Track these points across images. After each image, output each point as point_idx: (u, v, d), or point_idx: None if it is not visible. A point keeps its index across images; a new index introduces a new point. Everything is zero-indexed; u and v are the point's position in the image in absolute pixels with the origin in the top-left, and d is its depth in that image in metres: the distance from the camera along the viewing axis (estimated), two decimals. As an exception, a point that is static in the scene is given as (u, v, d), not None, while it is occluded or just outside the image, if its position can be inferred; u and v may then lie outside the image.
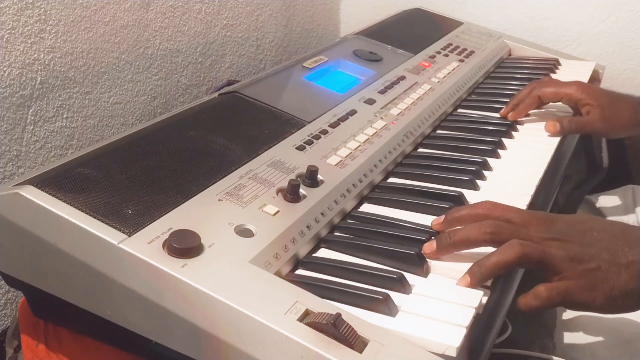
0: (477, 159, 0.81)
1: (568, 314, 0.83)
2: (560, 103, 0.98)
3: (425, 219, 0.68)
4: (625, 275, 0.56)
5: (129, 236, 0.54)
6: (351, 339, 0.47)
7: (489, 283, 0.58)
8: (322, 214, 0.65)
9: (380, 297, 0.54)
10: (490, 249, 0.59)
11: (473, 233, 0.59)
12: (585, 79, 1.12)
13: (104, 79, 0.91)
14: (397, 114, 0.88)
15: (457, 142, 0.87)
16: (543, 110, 1.00)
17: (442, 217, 0.64)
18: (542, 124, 0.96)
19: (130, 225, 0.55)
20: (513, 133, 0.92)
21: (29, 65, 0.79)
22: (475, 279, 0.57)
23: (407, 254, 0.61)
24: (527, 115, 0.98)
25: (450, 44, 1.18)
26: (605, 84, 1.23)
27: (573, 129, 0.94)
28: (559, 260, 0.57)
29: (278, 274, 0.57)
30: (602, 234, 0.59)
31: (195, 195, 0.61)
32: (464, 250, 0.60)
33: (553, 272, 0.57)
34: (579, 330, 0.80)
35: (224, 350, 0.50)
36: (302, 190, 0.66)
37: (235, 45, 1.17)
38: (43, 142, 0.83)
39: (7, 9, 0.75)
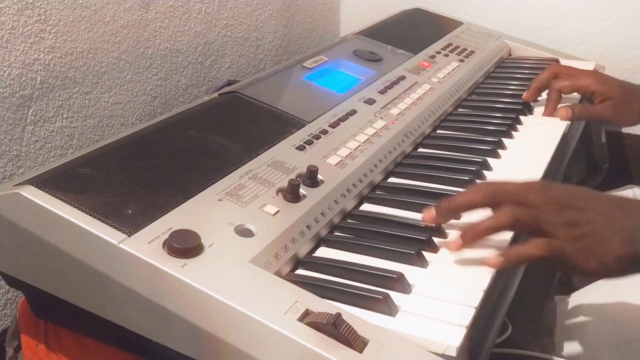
0: (477, 159, 0.81)
1: (568, 314, 0.83)
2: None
3: (425, 219, 0.68)
4: (618, 239, 0.57)
5: (129, 236, 0.54)
6: (351, 339, 0.47)
7: (487, 284, 0.58)
8: (322, 213, 0.65)
9: (380, 297, 0.54)
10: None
11: (472, 196, 0.61)
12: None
13: (104, 79, 0.91)
14: (397, 114, 0.88)
15: (457, 142, 0.87)
16: (543, 110, 1.00)
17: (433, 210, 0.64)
18: (542, 124, 0.96)
19: (130, 225, 0.55)
20: (513, 133, 0.92)
21: (29, 65, 0.79)
22: (468, 241, 0.59)
23: (407, 253, 0.61)
24: (530, 114, 0.99)
25: (450, 44, 1.18)
26: (605, 84, 1.23)
27: (584, 116, 0.98)
28: (553, 225, 0.58)
29: (278, 274, 0.57)
30: (597, 200, 0.60)
31: (195, 195, 0.61)
32: (463, 212, 0.62)
33: (547, 236, 0.58)
34: (579, 330, 0.80)
35: (224, 350, 0.50)
36: (302, 190, 0.66)
37: (235, 45, 1.17)
38: (43, 142, 0.83)
39: (7, 9, 0.75)
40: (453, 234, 0.65)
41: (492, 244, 0.61)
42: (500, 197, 0.60)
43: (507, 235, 0.62)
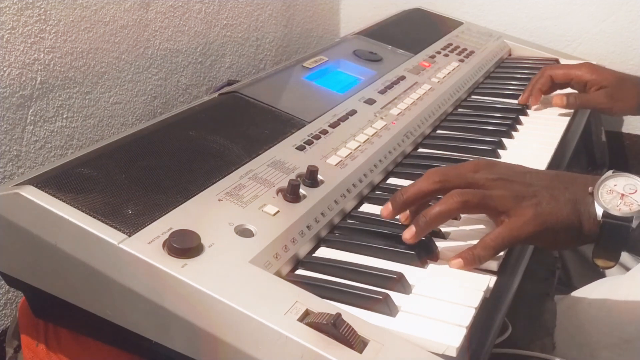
0: (477, 159, 0.81)
1: (568, 314, 0.83)
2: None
3: (425, 219, 0.68)
4: (565, 210, 0.60)
5: (129, 236, 0.54)
6: (351, 339, 0.47)
7: (487, 285, 0.58)
8: (322, 214, 0.65)
9: (380, 297, 0.54)
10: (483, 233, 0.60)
11: (423, 185, 0.62)
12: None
13: (104, 79, 0.91)
14: (397, 114, 0.88)
15: (457, 142, 0.87)
16: (544, 109, 1.01)
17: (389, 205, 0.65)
18: (541, 124, 0.96)
19: (130, 225, 0.55)
20: (513, 133, 0.92)
21: (29, 65, 0.79)
22: (420, 229, 0.60)
23: (407, 253, 0.61)
24: (527, 113, 0.99)
25: (450, 44, 1.18)
26: (605, 84, 1.23)
27: (578, 104, 0.99)
28: (502, 200, 0.60)
29: (278, 274, 0.57)
30: (539, 175, 0.63)
31: (195, 195, 0.61)
32: (418, 203, 0.63)
33: (498, 212, 0.60)
34: (578, 330, 0.80)
35: (224, 351, 0.50)
36: (302, 190, 0.66)
37: (235, 45, 1.17)
38: (43, 142, 0.83)
39: (7, 9, 0.75)
40: (453, 234, 0.65)
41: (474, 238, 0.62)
42: (449, 181, 0.62)
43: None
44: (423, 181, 0.63)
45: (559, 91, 1.03)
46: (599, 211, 0.59)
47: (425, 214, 0.60)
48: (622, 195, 0.60)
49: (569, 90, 1.03)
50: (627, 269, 0.94)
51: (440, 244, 0.64)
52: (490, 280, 0.58)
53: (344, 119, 0.82)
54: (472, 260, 0.59)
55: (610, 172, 0.62)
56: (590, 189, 0.61)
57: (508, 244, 0.60)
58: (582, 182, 0.62)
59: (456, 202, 0.60)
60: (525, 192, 0.60)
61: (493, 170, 0.63)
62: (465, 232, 0.65)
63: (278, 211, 0.62)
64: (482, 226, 0.66)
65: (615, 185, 0.61)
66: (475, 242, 0.60)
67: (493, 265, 0.60)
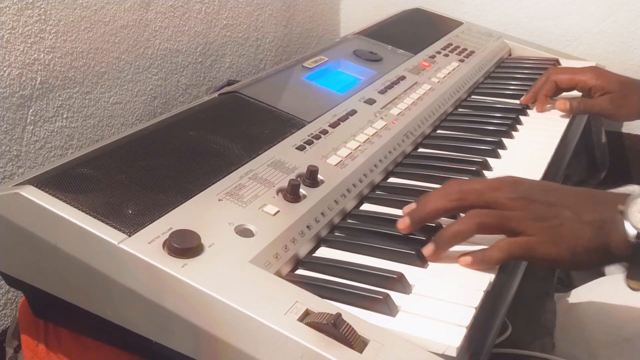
0: (477, 159, 0.81)
1: (568, 314, 0.83)
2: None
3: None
4: (588, 231, 0.57)
5: (129, 236, 0.54)
6: (351, 339, 0.47)
7: (487, 286, 0.58)
8: (322, 213, 0.65)
9: (380, 297, 0.54)
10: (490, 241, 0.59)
11: (441, 202, 0.61)
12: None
13: (104, 79, 0.91)
14: (397, 114, 0.88)
15: (457, 142, 0.87)
16: (544, 109, 1.01)
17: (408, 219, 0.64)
18: (542, 124, 0.96)
19: (130, 225, 0.55)
20: (513, 133, 0.92)
21: (29, 65, 0.79)
22: (441, 249, 0.60)
23: (407, 253, 0.61)
24: (528, 114, 0.99)
25: (450, 44, 1.18)
26: (605, 84, 1.23)
27: (582, 109, 0.99)
28: (519, 221, 0.58)
29: (278, 274, 0.57)
30: (565, 194, 0.61)
31: (195, 195, 0.61)
32: (436, 219, 0.62)
33: (515, 233, 0.59)
34: (578, 329, 0.80)
35: (224, 350, 0.50)
36: (302, 190, 0.66)
37: (235, 45, 1.17)
38: (43, 142, 0.83)
39: (7, 9, 0.75)
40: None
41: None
42: (467, 199, 0.60)
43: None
44: (441, 198, 0.61)
45: (564, 93, 1.02)
46: (631, 231, 0.56)
47: (442, 234, 0.60)
48: None
49: (574, 92, 1.02)
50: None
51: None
52: (490, 280, 0.58)
53: (344, 119, 0.82)
54: (482, 261, 0.59)
55: None
56: (620, 207, 0.57)
57: (521, 256, 0.59)
58: (610, 200, 0.59)
59: (473, 224, 0.59)
60: (546, 213, 0.58)
61: (516, 189, 0.61)
62: None
63: (278, 211, 0.62)
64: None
65: None
66: (476, 238, 0.60)
67: (493, 268, 0.60)
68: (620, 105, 0.97)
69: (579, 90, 1.01)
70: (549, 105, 1.01)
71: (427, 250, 0.60)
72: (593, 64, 1.19)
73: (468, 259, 0.59)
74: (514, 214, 0.59)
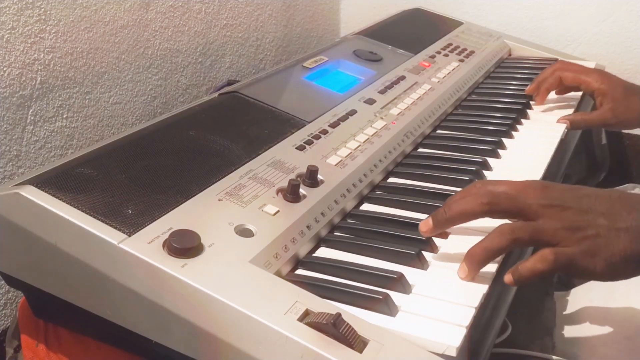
0: (477, 159, 0.81)
1: (568, 313, 0.83)
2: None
3: (425, 219, 0.68)
4: (625, 239, 0.55)
5: (129, 236, 0.54)
6: (351, 339, 0.47)
7: (485, 287, 0.58)
8: (322, 213, 0.65)
9: (380, 297, 0.54)
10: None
11: (469, 205, 0.58)
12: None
13: (104, 79, 0.91)
14: (397, 114, 0.88)
15: (457, 142, 0.87)
16: (544, 109, 1.01)
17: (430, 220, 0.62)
18: (542, 124, 0.96)
19: (130, 225, 0.55)
20: (513, 133, 0.92)
21: (29, 65, 0.79)
22: (472, 268, 0.57)
23: (407, 253, 0.61)
24: (528, 115, 0.99)
25: (450, 44, 1.18)
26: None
27: (583, 126, 0.97)
28: (553, 232, 0.56)
29: (278, 274, 0.57)
30: (598, 199, 0.58)
31: (195, 195, 0.61)
32: (461, 223, 0.60)
33: (550, 245, 0.56)
34: (578, 329, 0.80)
35: (224, 350, 0.50)
36: (302, 190, 0.66)
37: (235, 45, 1.17)
38: (43, 142, 0.83)
39: (7, 9, 0.75)
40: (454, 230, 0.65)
41: None
42: (499, 204, 0.58)
43: None
44: (470, 200, 0.58)
45: (563, 96, 1.02)
46: None
47: (474, 253, 0.57)
48: None
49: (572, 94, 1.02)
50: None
51: (440, 242, 0.64)
52: (491, 280, 0.58)
53: (344, 118, 0.82)
54: (527, 276, 0.56)
55: None
56: None
57: (564, 266, 0.56)
58: None
59: (507, 239, 0.56)
60: (580, 222, 0.56)
61: (546, 195, 0.58)
62: (465, 228, 0.65)
63: (278, 211, 0.62)
64: (486, 225, 0.65)
65: None
66: (477, 238, 0.59)
67: (492, 267, 0.60)
68: (622, 115, 0.95)
69: (581, 90, 1.00)
70: (547, 100, 1.01)
71: (462, 272, 0.57)
72: (593, 64, 1.19)
73: (510, 278, 0.56)
74: (547, 226, 0.56)
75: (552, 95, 1.03)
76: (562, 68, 1.00)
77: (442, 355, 0.49)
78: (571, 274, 0.58)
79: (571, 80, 0.99)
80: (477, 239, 0.60)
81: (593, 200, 0.58)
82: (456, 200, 0.60)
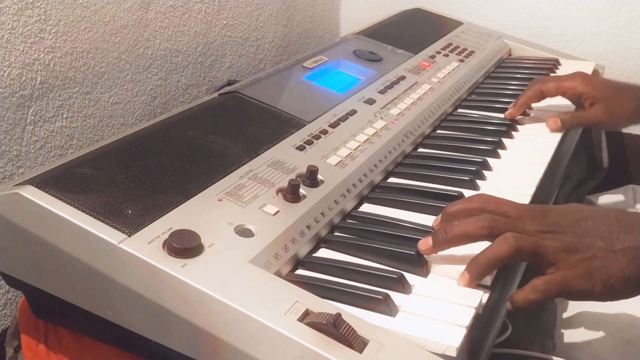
0: (477, 159, 0.81)
1: (568, 314, 0.83)
2: (559, 101, 0.97)
3: (425, 219, 0.68)
4: (623, 261, 0.55)
5: (129, 236, 0.54)
6: (351, 339, 0.47)
7: (489, 282, 0.58)
8: (322, 214, 0.65)
9: (380, 297, 0.54)
10: (486, 244, 0.58)
11: (470, 228, 0.59)
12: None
13: (104, 79, 0.91)
14: (397, 114, 0.88)
15: (457, 142, 0.88)
16: (544, 109, 1.00)
17: (440, 217, 0.64)
18: (542, 124, 0.96)
19: (130, 225, 0.55)
20: (513, 133, 0.92)
21: (29, 65, 0.79)
22: (474, 276, 0.57)
23: (407, 254, 0.61)
24: (527, 114, 0.98)
25: (450, 44, 1.18)
26: (605, 84, 1.22)
27: (575, 124, 0.94)
28: (553, 252, 0.57)
29: (278, 274, 0.57)
30: (596, 222, 0.58)
31: (195, 195, 0.61)
32: (460, 245, 0.60)
33: (548, 263, 0.57)
34: (579, 330, 0.80)
35: (224, 350, 0.50)
36: (302, 190, 0.66)
37: (235, 45, 1.17)
38: (43, 142, 0.83)
39: (7, 9, 0.75)
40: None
41: None
42: (499, 228, 0.58)
43: None
44: (470, 224, 0.58)
45: (553, 102, 1.00)
46: None
47: (476, 260, 0.57)
48: None
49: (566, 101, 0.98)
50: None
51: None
52: (491, 280, 0.58)
53: (344, 119, 0.82)
54: (522, 305, 0.57)
55: None
56: None
57: (557, 293, 0.57)
58: None
59: (510, 247, 0.56)
60: (577, 245, 0.57)
61: (544, 221, 0.59)
62: None
63: (278, 211, 0.62)
64: None
65: None
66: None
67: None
68: (615, 113, 0.92)
69: (568, 98, 0.96)
70: (543, 110, 0.97)
71: (463, 280, 0.57)
72: (593, 63, 1.19)
73: (508, 305, 0.57)
74: (549, 245, 0.57)
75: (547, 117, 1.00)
76: (541, 81, 0.96)
77: (442, 356, 0.49)
78: (568, 298, 0.58)
79: (555, 90, 0.94)
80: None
81: (591, 223, 0.58)
82: (456, 223, 0.60)
